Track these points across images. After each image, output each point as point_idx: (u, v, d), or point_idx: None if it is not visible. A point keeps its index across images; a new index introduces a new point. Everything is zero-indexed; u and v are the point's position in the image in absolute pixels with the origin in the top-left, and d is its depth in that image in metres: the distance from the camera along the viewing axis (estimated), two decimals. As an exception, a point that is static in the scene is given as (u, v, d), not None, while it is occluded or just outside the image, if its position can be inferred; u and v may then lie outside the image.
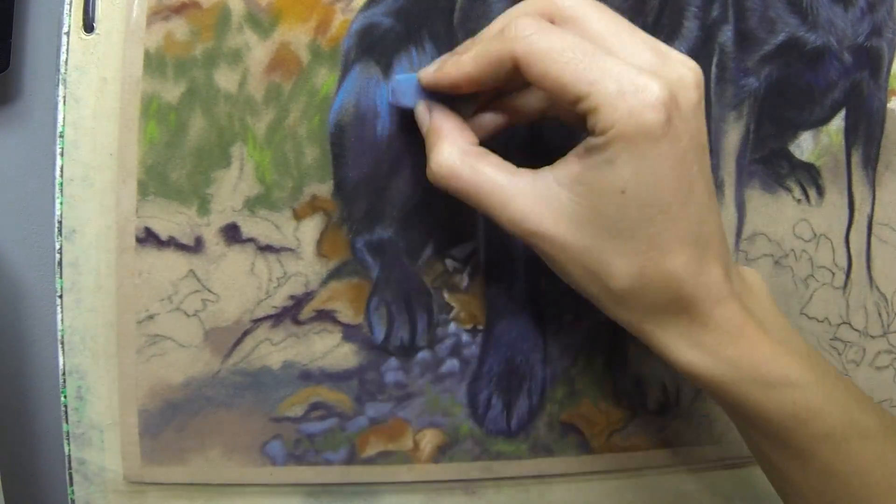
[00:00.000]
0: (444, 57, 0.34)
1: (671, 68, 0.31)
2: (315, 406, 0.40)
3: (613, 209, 0.30)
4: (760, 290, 0.35)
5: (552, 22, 0.32)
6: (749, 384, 0.32)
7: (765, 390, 0.32)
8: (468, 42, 0.34)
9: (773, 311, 0.35)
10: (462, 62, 0.32)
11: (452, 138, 0.33)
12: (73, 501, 0.39)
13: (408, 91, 0.36)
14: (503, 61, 0.31)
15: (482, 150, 0.33)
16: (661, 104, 0.29)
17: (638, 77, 0.29)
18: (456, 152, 0.33)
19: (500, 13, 0.38)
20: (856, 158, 0.44)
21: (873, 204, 0.45)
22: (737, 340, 0.32)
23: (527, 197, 0.32)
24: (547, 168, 0.32)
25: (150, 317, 0.38)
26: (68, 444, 0.39)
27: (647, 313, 0.32)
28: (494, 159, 0.33)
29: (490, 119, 0.36)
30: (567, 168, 0.31)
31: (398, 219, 0.39)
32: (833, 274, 0.45)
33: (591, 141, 0.30)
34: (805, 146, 0.44)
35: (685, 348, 0.33)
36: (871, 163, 0.45)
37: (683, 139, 0.30)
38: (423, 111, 0.35)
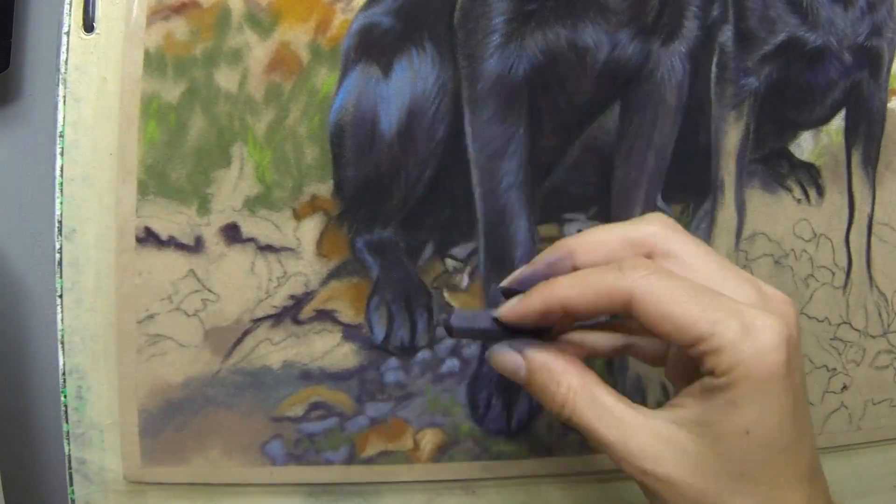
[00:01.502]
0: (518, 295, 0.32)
1: (776, 304, 0.30)
2: (315, 406, 0.40)
3: (737, 451, 0.29)
4: None
5: (648, 257, 0.31)
6: None
7: None
8: (542, 260, 0.32)
9: None
10: (556, 288, 0.31)
11: (568, 369, 0.31)
12: (73, 501, 0.39)
13: (473, 321, 0.33)
14: (617, 297, 0.30)
15: (595, 377, 0.32)
16: (784, 343, 0.29)
17: (758, 316, 0.29)
18: (576, 383, 0.31)
19: (500, 13, 0.38)
20: (856, 158, 0.44)
21: (873, 203, 0.45)
22: None
23: (645, 434, 0.30)
24: (660, 409, 0.31)
25: (151, 316, 0.38)
26: (68, 444, 0.39)
27: None
28: (610, 390, 0.31)
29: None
30: (685, 409, 0.30)
31: (398, 219, 0.39)
32: (833, 274, 0.45)
33: (711, 381, 0.29)
34: (805, 146, 0.44)
35: None
36: (871, 162, 0.45)
37: (798, 376, 0.30)
38: (507, 354, 0.32)
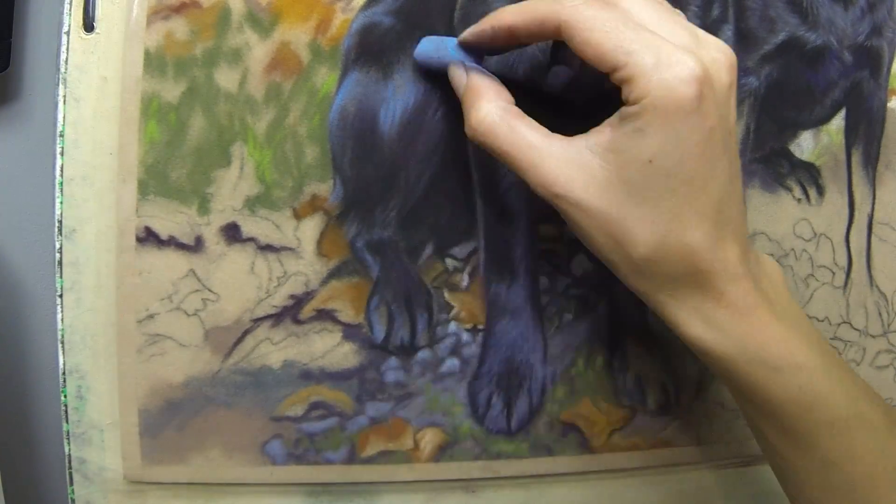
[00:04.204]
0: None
1: (706, 50, 0.32)
2: (315, 405, 0.40)
3: (640, 178, 0.31)
4: (775, 275, 0.36)
5: None
6: (756, 365, 0.33)
7: (771, 372, 0.33)
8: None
9: (786, 296, 0.35)
10: (503, 15, 0.33)
11: (491, 96, 0.34)
12: (73, 501, 0.39)
13: (438, 51, 0.37)
14: (547, 23, 0.32)
15: (519, 110, 0.34)
16: (694, 79, 0.30)
17: (675, 52, 0.30)
18: (495, 110, 0.33)
19: (500, 12, 0.38)
20: (856, 158, 0.44)
21: (873, 203, 0.45)
22: (747, 319, 0.33)
23: (559, 160, 0.32)
24: (581, 135, 0.33)
25: (151, 316, 0.38)
26: (68, 444, 0.39)
27: (663, 284, 0.33)
28: (531, 121, 0.34)
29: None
30: (600, 136, 0.32)
31: (398, 219, 0.39)
32: (833, 273, 0.45)
33: (624, 110, 0.31)
34: (805, 145, 0.44)
35: (696, 322, 0.33)
36: (871, 162, 0.45)
37: (712, 117, 0.31)
38: (458, 69, 0.36)
